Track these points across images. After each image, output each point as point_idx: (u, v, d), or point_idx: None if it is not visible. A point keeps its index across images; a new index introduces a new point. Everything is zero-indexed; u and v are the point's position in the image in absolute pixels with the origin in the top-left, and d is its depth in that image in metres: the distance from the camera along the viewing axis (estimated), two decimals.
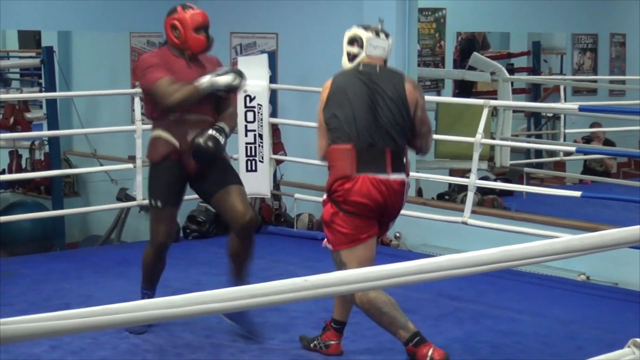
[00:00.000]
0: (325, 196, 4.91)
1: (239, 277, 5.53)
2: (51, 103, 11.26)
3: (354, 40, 4.98)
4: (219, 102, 5.58)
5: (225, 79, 5.45)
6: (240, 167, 8.52)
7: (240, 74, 5.54)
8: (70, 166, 11.92)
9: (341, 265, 4.85)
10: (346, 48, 5.02)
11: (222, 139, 5.43)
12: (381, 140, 4.82)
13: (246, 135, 8.48)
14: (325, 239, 4.95)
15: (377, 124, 4.82)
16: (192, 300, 1.73)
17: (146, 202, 8.63)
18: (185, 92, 5.37)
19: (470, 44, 12.99)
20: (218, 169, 5.52)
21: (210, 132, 5.40)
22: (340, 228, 4.82)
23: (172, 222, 5.64)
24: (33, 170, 11.40)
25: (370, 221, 4.85)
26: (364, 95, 4.86)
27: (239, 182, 5.59)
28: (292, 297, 1.82)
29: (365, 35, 4.95)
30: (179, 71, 5.48)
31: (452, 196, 9.79)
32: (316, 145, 4.97)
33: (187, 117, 5.45)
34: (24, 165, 11.74)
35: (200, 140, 5.37)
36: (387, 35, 5.04)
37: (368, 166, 4.80)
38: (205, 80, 5.40)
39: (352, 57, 4.99)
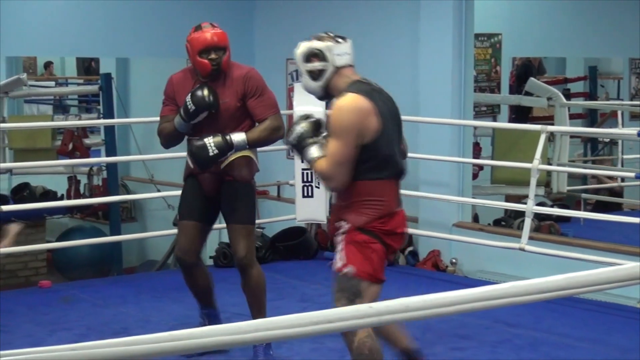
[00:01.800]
0: (345, 226, 4.34)
1: (251, 309, 5.69)
2: (109, 129, 11.38)
3: (312, 56, 4.41)
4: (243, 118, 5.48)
5: (183, 108, 5.37)
6: (297, 193, 8.53)
7: (199, 89, 5.33)
8: (128, 192, 12.02)
9: (355, 295, 4.30)
10: (305, 67, 4.43)
11: (212, 149, 5.27)
12: (404, 170, 4.48)
13: (302, 161, 8.48)
14: (342, 260, 4.33)
15: (400, 151, 4.45)
16: (255, 327, 1.74)
17: None
18: (165, 131, 5.52)
19: (526, 69, 12.93)
20: (227, 201, 5.53)
21: (204, 140, 5.30)
22: (374, 257, 4.32)
23: (187, 236, 5.57)
24: (91, 195, 11.50)
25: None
26: (391, 119, 4.38)
27: (240, 220, 5.51)
28: (356, 323, 1.82)
29: (323, 45, 4.42)
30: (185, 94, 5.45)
31: (508, 222, 9.72)
32: (330, 174, 4.29)
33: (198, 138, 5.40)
34: (82, 191, 11.85)
35: (191, 145, 5.36)
36: (344, 38, 4.53)
37: (399, 199, 4.46)
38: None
39: (317, 74, 4.42)
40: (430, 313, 1.92)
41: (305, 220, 8.69)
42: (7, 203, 10.27)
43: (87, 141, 11.79)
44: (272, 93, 5.66)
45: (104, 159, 11.33)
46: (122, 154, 11.62)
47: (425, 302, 1.83)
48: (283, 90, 9.98)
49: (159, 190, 10.53)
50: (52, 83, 16.64)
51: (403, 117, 8.42)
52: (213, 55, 5.34)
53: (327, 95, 4.47)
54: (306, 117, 4.49)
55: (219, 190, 5.53)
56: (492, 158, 9.58)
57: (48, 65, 16.91)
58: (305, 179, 8.48)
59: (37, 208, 9.87)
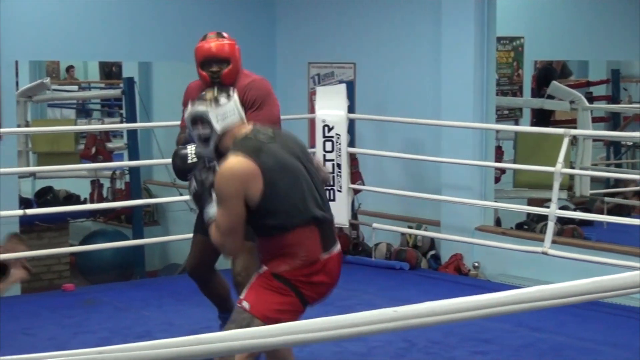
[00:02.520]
0: (263, 268, 4.16)
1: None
2: (132, 133, 11.41)
3: (196, 122, 4.17)
4: None
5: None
6: None
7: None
8: (150, 195, 12.05)
9: (242, 326, 4.00)
10: (194, 132, 4.19)
11: (192, 157, 4.50)
12: (319, 213, 4.17)
13: (324, 165, 8.50)
14: (242, 294, 4.24)
15: (313, 193, 4.17)
16: (281, 330, 1.74)
17: None
18: (181, 143, 5.14)
19: (548, 73, 12.90)
20: None
21: (187, 147, 4.60)
22: (281, 304, 4.12)
23: (197, 251, 5.38)
24: (114, 199, 11.54)
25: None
26: (287, 167, 4.11)
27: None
28: (381, 327, 1.81)
29: (203, 110, 4.16)
30: None
31: (531, 226, 9.70)
32: (220, 243, 4.12)
33: None
34: (105, 195, 11.89)
35: (173, 153, 4.68)
36: (227, 96, 4.22)
37: (326, 243, 4.19)
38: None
39: (204, 139, 4.18)
40: (454, 317, 1.92)
41: None
42: (30, 207, 10.32)
43: (109, 145, 11.83)
44: (276, 105, 5.30)
45: (126, 162, 11.37)
46: (144, 157, 11.64)
47: (449, 306, 1.83)
48: (305, 94, 9.99)
49: (181, 194, 10.54)
50: (75, 87, 16.71)
51: (425, 121, 8.43)
52: (214, 68, 5.11)
53: (221, 156, 4.15)
54: (198, 155, 4.30)
55: None
56: (515, 161, 9.56)
57: (69, 69, 16.98)
58: (327, 183, 8.48)
59: (61, 212, 9.92)
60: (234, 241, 4.08)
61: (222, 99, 4.16)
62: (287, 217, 4.07)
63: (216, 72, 5.09)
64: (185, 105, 5.17)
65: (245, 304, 4.14)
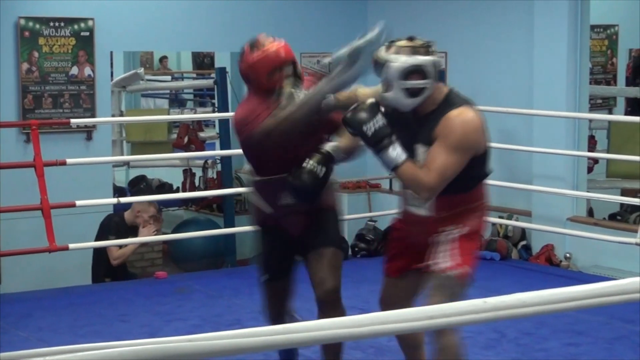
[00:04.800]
0: (459, 229, 4.13)
1: (327, 354, 4.72)
2: (224, 123, 11.48)
3: (413, 72, 4.07)
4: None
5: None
6: None
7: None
8: (242, 185, 12.11)
9: (458, 297, 4.03)
10: (402, 84, 4.06)
11: (320, 169, 4.35)
12: None
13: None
14: (454, 260, 4.12)
15: None
16: (372, 320, 1.74)
17: None
18: (274, 123, 4.39)
19: None
20: (314, 227, 4.60)
21: (305, 164, 4.35)
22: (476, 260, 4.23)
23: (278, 297, 4.79)
24: (206, 188, 11.63)
25: None
26: None
27: (331, 243, 4.60)
28: (471, 319, 1.80)
29: (427, 61, 4.11)
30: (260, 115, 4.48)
31: (624, 216, 9.54)
32: (435, 186, 4.03)
33: (273, 177, 4.51)
34: (197, 184, 11.99)
35: (292, 178, 4.37)
36: (432, 47, 4.20)
37: None
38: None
39: (416, 92, 4.08)
40: (545, 309, 1.90)
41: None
42: (124, 195, 10.47)
43: (202, 134, 11.94)
44: None
45: (218, 152, 11.45)
46: (236, 147, 11.70)
47: (541, 298, 1.81)
48: None
49: None
50: (168, 77, 16.89)
51: (517, 110, 8.37)
52: (286, 72, 4.61)
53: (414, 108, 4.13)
54: (375, 105, 4.09)
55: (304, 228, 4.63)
56: (608, 151, 9.42)
57: (162, 59, 17.17)
58: None
59: (154, 200, 10.04)
60: (444, 186, 4.03)
61: (433, 47, 4.17)
62: (486, 167, 4.19)
63: (286, 76, 4.58)
64: (235, 128, 4.59)
65: (462, 270, 4.10)
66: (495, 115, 8.71)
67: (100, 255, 8.33)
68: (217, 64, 12.86)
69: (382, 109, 4.10)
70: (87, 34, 8.74)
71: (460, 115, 4.05)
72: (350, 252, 8.47)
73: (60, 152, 7.71)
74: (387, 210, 9.08)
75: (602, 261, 8.00)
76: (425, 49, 4.11)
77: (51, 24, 8.59)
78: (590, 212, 9.27)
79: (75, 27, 8.69)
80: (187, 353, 1.70)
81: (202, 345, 1.71)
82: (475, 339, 5.76)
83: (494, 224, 8.68)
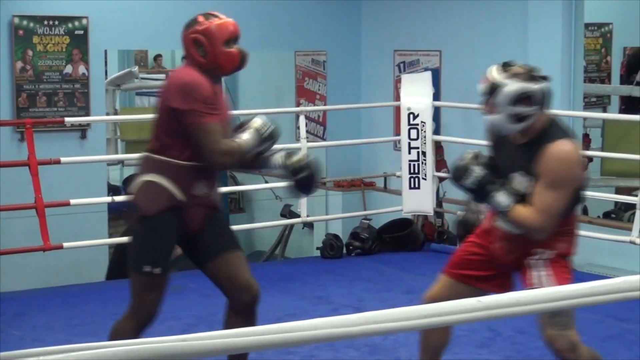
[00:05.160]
0: (547, 252, 4.22)
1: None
2: None
3: (524, 99, 4.11)
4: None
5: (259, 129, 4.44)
6: (404, 185, 8.54)
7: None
8: (236, 183, 12.12)
9: (567, 323, 4.24)
10: (510, 110, 4.10)
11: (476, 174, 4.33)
12: None
13: (409, 153, 8.48)
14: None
15: None
16: (366, 319, 1.74)
17: (311, 219, 8.76)
18: (235, 153, 4.35)
19: (637, 59, 12.67)
20: (220, 227, 4.54)
21: (305, 158, 4.54)
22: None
23: (166, 288, 4.52)
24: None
25: None
26: None
27: (240, 246, 4.60)
28: (464, 317, 1.80)
29: (539, 88, 4.15)
30: (222, 105, 4.46)
31: (618, 215, 9.55)
32: (543, 226, 4.11)
33: (196, 164, 4.37)
34: None
35: (304, 171, 4.50)
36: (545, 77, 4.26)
37: None
38: (246, 135, 4.40)
39: (522, 118, 4.12)
40: (539, 308, 1.90)
41: (411, 212, 8.68)
42: (119, 194, 10.45)
43: None
44: None
45: None
46: None
47: (535, 296, 1.81)
48: (390, 81, 9.97)
49: (266, 182, 10.60)
50: (163, 76, 16.86)
51: None
52: (236, 47, 4.49)
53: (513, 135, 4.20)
54: (476, 156, 4.21)
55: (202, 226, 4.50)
56: (602, 149, 9.42)
57: (157, 58, 17.14)
58: (412, 171, 8.47)
59: None
60: (554, 224, 4.10)
61: (544, 77, 4.18)
62: (581, 197, 4.23)
63: (242, 52, 4.51)
64: (203, 100, 4.31)
65: None
66: None
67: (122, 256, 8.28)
68: None
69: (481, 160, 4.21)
70: (81, 32, 8.73)
71: (560, 151, 4.05)
72: (344, 251, 8.47)
73: (54, 150, 7.71)
74: (381, 209, 9.09)
75: (597, 259, 8.00)
76: (537, 76, 4.16)
77: (45, 22, 8.58)
78: (585, 211, 9.27)
79: (69, 25, 8.68)
80: (181, 353, 1.70)
81: (196, 345, 1.71)
82: (470, 338, 5.77)
83: None
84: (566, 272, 4.23)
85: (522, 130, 4.12)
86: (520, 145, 4.18)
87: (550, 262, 4.20)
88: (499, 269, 4.33)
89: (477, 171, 4.13)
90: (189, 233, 4.44)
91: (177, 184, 4.34)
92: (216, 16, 4.52)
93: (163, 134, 4.36)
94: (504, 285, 4.32)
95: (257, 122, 4.45)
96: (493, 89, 4.12)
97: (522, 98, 4.06)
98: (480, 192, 4.14)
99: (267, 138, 4.42)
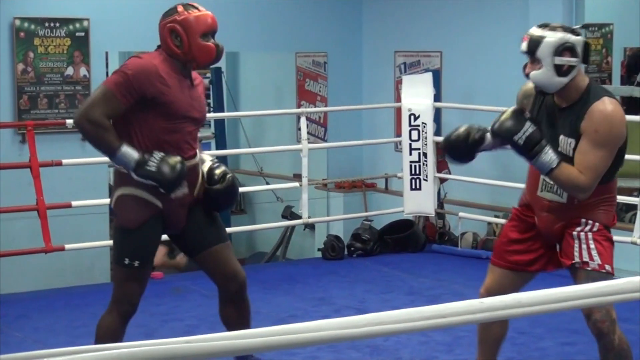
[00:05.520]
0: (591, 224, 4.25)
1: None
2: (219, 123, 11.50)
3: (566, 49, 4.13)
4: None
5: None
6: (405, 186, 8.54)
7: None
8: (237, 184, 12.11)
9: None
10: (554, 60, 4.12)
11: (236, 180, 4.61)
12: None
13: (410, 154, 8.48)
14: (598, 258, 4.25)
15: None
16: (369, 321, 1.74)
17: (312, 220, 8.76)
18: (98, 132, 4.25)
19: (638, 60, 12.67)
20: (205, 220, 4.59)
21: (228, 176, 4.60)
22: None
23: (147, 281, 4.58)
24: None
25: None
26: None
27: (227, 237, 4.69)
28: (467, 319, 1.80)
29: (578, 40, 4.16)
30: (177, 92, 4.40)
31: (620, 215, 9.54)
32: (589, 185, 4.14)
33: None
34: None
35: (225, 189, 4.55)
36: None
37: None
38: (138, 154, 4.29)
39: (566, 70, 4.14)
40: (541, 309, 1.90)
41: (413, 213, 8.68)
42: None
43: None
44: None
45: (214, 151, 11.45)
46: (231, 147, 11.73)
47: (536, 298, 1.81)
48: (391, 82, 9.97)
49: (268, 183, 10.61)
50: None
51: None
52: (213, 41, 4.48)
53: (558, 92, 4.19)
54: (520, 111, 4.20)
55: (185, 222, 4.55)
56: None
57: None
58: (413, 172, 8.47)
59: None
60: (595, 185, 4.13)
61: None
62: (623, 158, 4.22)
63: (218, 46, 4.50)
64: (153, 87, 4.30)
65: (608, 267, 4.23)
66: (490, 114, 8.70)
67: None
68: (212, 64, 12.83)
69: (527, 113, 4.21)
70: (82, 34, 8.74)
71: (605, 109, 4.10)
72: (346, 252, 8.47)
73: (55, 152, 7.71)
74: (382, 210, 9.10)
75: None
76: (575, 30, 4.19)
77: (46, 24, 8.58)
78: None
79: (71, 27, 8.68)
80: (185, 354, 1.70)
81: (200, 347, 1.71)
82: (472, 339, 5.75)
83: (489, 223, 8.69)
84: (611, 246, 4.27)
85: (565, 85, 4.13)
86: (563, 108, 4.20)
87: (595, 235, 4.23)
88: (544, 247, 4.39)
89: (529, 127, 4.11)
90: (175, 230, 4.54)
91: (152, 192, 4.37)
92: (196, 8, 4.47)
93: (125, 137, 4.34)
94: (552, 261, 4.41)
95: (193, 161, 4.47)
96: (535, 43, 4.13)
97: (565, 49, 4.09)
98: (529, 150, 4.11)
99: (158, 174, 4.27)
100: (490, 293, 4.35)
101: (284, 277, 7.67)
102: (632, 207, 8.47)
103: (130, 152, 4.25)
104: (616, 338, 4.27)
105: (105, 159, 4.59)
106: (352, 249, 8.50)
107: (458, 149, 4.49)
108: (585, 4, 8.52)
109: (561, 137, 4.17)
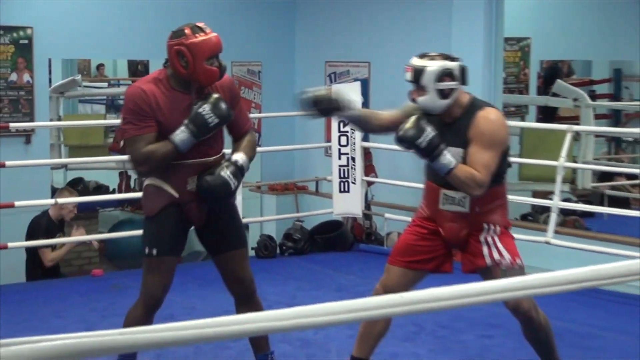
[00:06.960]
0: (493, 227, 4.42)
1: (260, 347, 4.83)
2: None
3: (446, 75, 4.31)
4: (231, 131, 4.70)
5: (197, 122, 4.40)
6: (334, 188, 8.56)
7: (221, 101, 4.47)
8: None
9: None
10: (437, 86, 4.30)
11: (233, 182, 4.44)
12: None
13: (339, 158, 8.50)
14: (507, 255, 4.43)
15: None
16: (296, 314, 1.74)
17: (246, 220, 8.73)
18: (160, 152, 4.36)
19: (553, 72, 12.85)
20: (224, 225, 4.59)
21: (223, 172, 4.45)
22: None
23: (170, 273, 4.55)
24: (140, 189, 11.55)
25: None
26: None
27: (243, 244, 4.66)
28: (389, 312, 1.82)
29: (455, 65, 4.36)
30: (168, 112, 4.41)
31: (535, 217, 9.67)
32: (484, 182, 4.28)
33: (184, 162, 4.45)
34: (132, 186, 11.91)
35: (208, 182, 4.43)
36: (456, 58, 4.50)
37: None
38: (180, 130, 4.39)
39: (447, 93, 4.32)
40: (459, 303, 1.92)
41: (341, 214, 8.70)
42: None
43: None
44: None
45: None
46: None
47: (453, 293, 1.83)
48: None
49: None
50: (105, 84, 16.73)
51: None
52: (217, 63, 4.46)
53: (443, 111, 4.35)
54: (421, 119, 4.31)
55: (204, 218, 4.58)
56: (520, 156, 9.53)
57: (99, 67, 17.01)
58: (342, 175, 8.50)
59: (91, 201, 9.96)
60: (489, 181, 4.29)
61: (456, 58, 4.41)
62: (507, 163, 4.47)
63: (221, 66, 4.47)
64: (144, 112, 4.37)
65: (519, 261, 4.45)
66: None
67: (33, 258, 8.19)
68: (151, 72, 12.75)
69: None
70: (26, 41, 8.63)
71: (488, 116, 4.33)
72: (278, 251, 8.47)
73: None
74: (313, 211, 9.11)
75: None
76: (451, 56, 4.42)
77: None
78: None
79: (15, 35, 8.58)
80: (120, 346, 1.69)
81: (133, 339, 1.70)
82: (395, 332, 5.78)
83: None
84: (514, 243, 4.49)
85: (449, 105, 4.32)
86: (448, 123, 4.37)
87: (499, 236, 4.43)
88: (441, 249, 4.53)
89: (430, 131, 4.27)
90: (195, 225, 4.59)
91: (171, 183, 4.47)
92: (202, 30, 4.47)
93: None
94: (447, 263, 4.56)
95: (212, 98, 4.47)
96: (418, 73, 4.32)
97: (445, 74, 4.30)
98: (430, 153, 4.27)
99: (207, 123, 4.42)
100: (387, 291, 4.46)
101: (219, 275, 7.62)
102: (546, 209, 8.57)
103: (179, 135, 4.38)
104: (541, 319, 4.48)
105: (48, 161, 4.57)
106: (284, 248, 8.50)
107: (321, 104, 4.52)
108: (505, 18, 8.61)
109: (450, 148, 4.31)
